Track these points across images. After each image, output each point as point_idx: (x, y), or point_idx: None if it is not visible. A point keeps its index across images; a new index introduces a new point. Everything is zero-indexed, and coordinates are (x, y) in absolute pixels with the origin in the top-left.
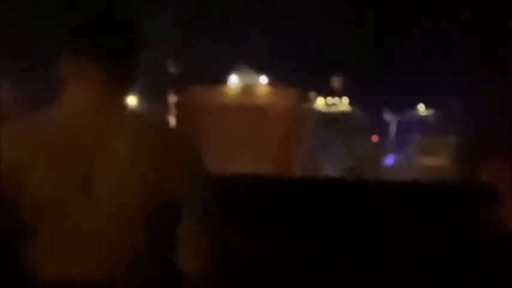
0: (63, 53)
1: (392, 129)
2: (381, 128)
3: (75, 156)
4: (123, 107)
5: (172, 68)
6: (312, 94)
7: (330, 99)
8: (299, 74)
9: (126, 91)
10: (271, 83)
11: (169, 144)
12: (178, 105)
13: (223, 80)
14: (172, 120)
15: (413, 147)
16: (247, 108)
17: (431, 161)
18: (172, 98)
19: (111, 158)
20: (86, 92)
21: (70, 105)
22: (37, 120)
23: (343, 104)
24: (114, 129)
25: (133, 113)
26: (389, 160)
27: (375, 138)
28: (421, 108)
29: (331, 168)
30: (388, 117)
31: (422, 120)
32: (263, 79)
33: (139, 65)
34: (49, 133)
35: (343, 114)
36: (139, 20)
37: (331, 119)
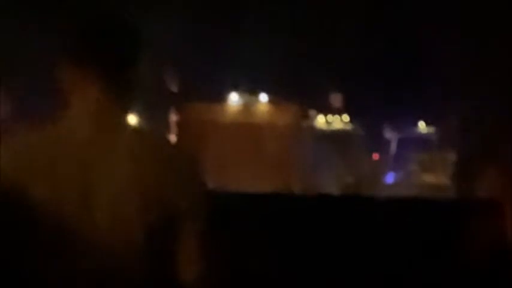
0: (63, 65)
1: (393, 146)
2: (382, 145)
3: (75, 170)
4: (124, 121)
5: (172, 87)
6: (312, 112)
7: (330, 117)
8: (299, 92)
9: (126, 105)
10: (271, 101)
11: (168, 159)
12: (179, 123)
13: (223, 98)
14: (173, 138)
15: (414, 165)
16: (247, 125)
17: (432, 178)
18: (172, 117)
19: (110, 172)
20: (87, 106)
21: (71, 118)
22: (38, 133)
23: (343, 121)
24: (114, 144)
25: (134, 128)
26: (389, 178)
27: (375, 156)
28: (421, 125)
29: (331, 186)
30: (389, 134)
31: (422, 137)
32: (263, 97)
33: (139, 79)
34: (50, 146)
35: (343, 132)
36: (138, 34)
37: (331, 137)
